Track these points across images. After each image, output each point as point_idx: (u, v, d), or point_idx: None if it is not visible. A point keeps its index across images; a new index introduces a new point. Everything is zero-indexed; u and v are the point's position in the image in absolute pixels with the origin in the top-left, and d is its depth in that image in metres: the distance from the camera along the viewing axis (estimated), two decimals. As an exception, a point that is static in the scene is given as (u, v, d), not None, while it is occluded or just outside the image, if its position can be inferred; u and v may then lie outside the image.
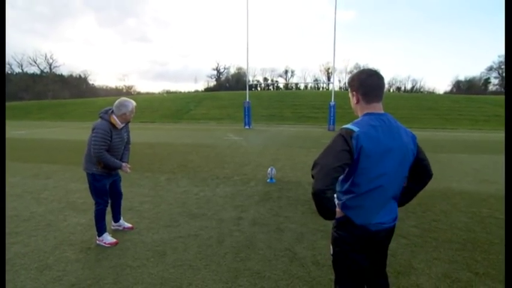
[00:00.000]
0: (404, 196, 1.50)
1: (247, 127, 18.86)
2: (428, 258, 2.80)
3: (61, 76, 61.03)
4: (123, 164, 3.03)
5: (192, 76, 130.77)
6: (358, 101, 1.39)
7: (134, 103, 2.94)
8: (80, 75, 66.78)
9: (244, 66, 21.14)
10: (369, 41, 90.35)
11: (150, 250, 2.92)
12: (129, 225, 3.47)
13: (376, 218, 1.37)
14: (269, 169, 5.60)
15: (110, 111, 2.88)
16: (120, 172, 3.20)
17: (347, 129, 1.28)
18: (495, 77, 53.01)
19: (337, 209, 1.37)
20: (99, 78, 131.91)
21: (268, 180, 5.53)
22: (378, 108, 1.36)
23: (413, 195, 1.54)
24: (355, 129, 1.26)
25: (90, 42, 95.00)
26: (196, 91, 58.75)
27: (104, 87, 71.17)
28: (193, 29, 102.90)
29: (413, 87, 59.11)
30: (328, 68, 56.13)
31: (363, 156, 1.25)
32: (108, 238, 3.04)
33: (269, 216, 3.82)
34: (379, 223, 1.38)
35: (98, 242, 3.03)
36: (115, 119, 2.85)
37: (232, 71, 67.24)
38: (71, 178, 5.68)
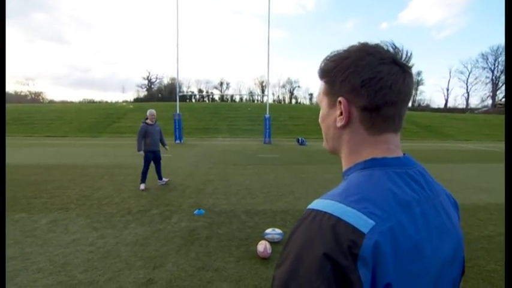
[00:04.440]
0: None
1: (178, 142, 17.26)
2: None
3: None
4: None
5: (120, 85, 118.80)
6: (348, 121, 0.54)
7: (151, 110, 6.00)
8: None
9: (178, 77, 19.69)
10: (299, 58, 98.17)
11: None
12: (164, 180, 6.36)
13: None
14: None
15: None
16: None
17: (337, 221, 0.43)
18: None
19: None
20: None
21: (195, 212, 4.48)
22: (394, 142, 0.55)
23: None
24: (367, 223, 0.42)
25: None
26: (125, 101, 52.96)
27: (-5, 91, 58.45)
28: (122, 35, 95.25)
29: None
30: (262, 82, 58.13)
31: None
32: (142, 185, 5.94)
33: (192, 272, 2.80)
34: None
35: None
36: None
37: (166, 81, 63.59)
38: None
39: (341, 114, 0.54)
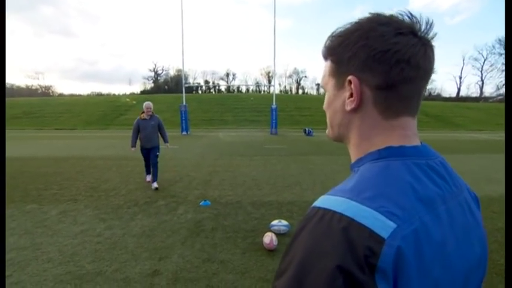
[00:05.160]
0: None
1: (184, 133, 17.32)
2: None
3: None
4: None
5: (126, 77, 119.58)
6: (360, 104, 0.45)
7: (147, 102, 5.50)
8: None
9: (184, 68, 19.58)
10: (306, 48, 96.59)
11: None
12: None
13: None
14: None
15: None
16: None
17: (349, 222, 0.36)
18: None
19: None
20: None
21: (201, 203, 4.48)
22: (411, 128, 0.47)
23: None
24: (386, 226, 0.35)
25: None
26: (132, 93, 53.39)
27: (8, 86, 59.95)
28: (128, 28, 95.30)
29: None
30: (269, 72, 57.52)
31: None
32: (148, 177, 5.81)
33: (198, 264, 2.80)
34: None
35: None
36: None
37: (172, 73, 63.62)
38: None
39: (351, 95, 0.46)
